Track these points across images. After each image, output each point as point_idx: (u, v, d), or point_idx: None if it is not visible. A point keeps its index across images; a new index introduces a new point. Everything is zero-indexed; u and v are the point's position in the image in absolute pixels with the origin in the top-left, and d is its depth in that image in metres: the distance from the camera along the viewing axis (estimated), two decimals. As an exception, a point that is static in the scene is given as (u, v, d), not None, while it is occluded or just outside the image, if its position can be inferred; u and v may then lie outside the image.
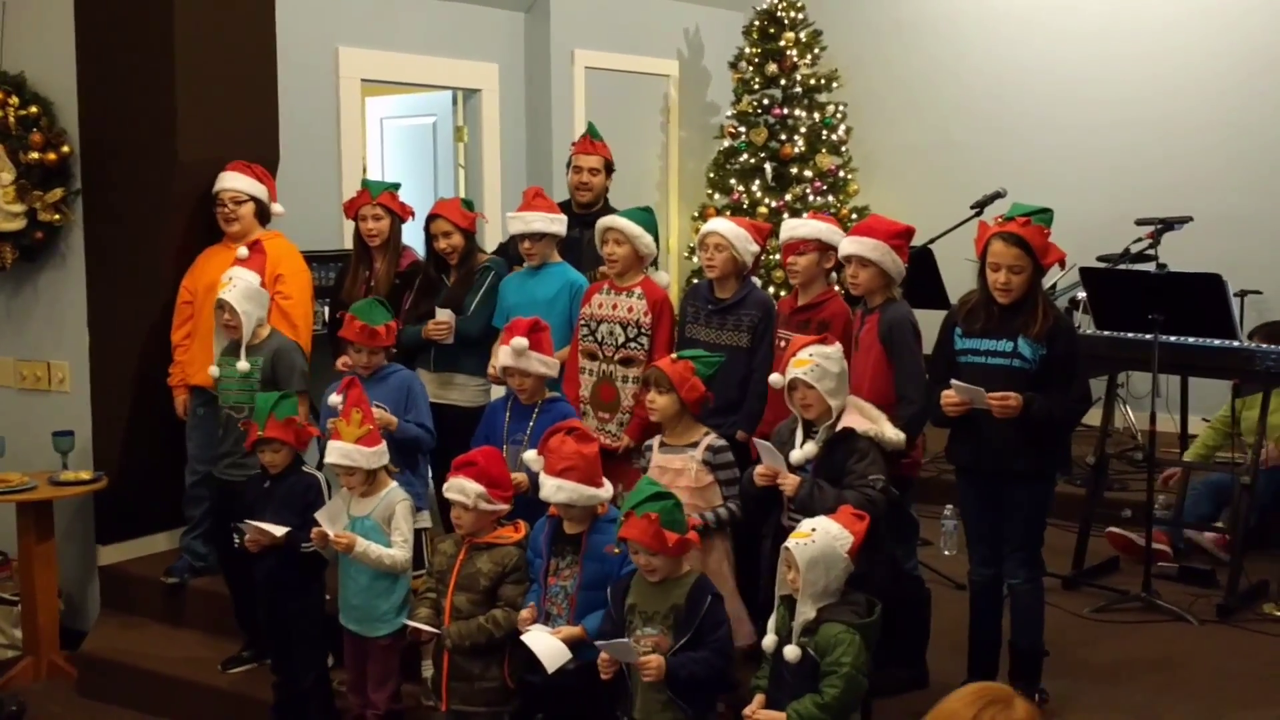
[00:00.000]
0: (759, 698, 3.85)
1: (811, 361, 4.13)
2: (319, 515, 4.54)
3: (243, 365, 5.21)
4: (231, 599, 5.44)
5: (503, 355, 4.78)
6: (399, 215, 5.74)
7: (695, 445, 4.50)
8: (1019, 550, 4.44)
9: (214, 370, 5.31)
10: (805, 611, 3.68)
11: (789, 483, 4.15)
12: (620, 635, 3.93)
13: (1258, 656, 5.04)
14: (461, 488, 4.27)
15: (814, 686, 3.62)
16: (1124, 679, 4.83)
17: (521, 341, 4.71)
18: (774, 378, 4.31)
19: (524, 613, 4.22)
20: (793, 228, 4.92)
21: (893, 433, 4.23)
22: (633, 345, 5.07)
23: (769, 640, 3.80)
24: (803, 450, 4.22)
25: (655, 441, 4.61)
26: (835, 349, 4.21)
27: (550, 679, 4.07)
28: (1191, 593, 5.62)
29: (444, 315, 5.45)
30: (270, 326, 5.35)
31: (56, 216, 6.07)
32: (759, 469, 4.24)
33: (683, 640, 3.85)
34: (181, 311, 5.84)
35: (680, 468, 4.46)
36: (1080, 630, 5.27)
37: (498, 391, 5.33)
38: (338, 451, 4.52)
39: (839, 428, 4.18)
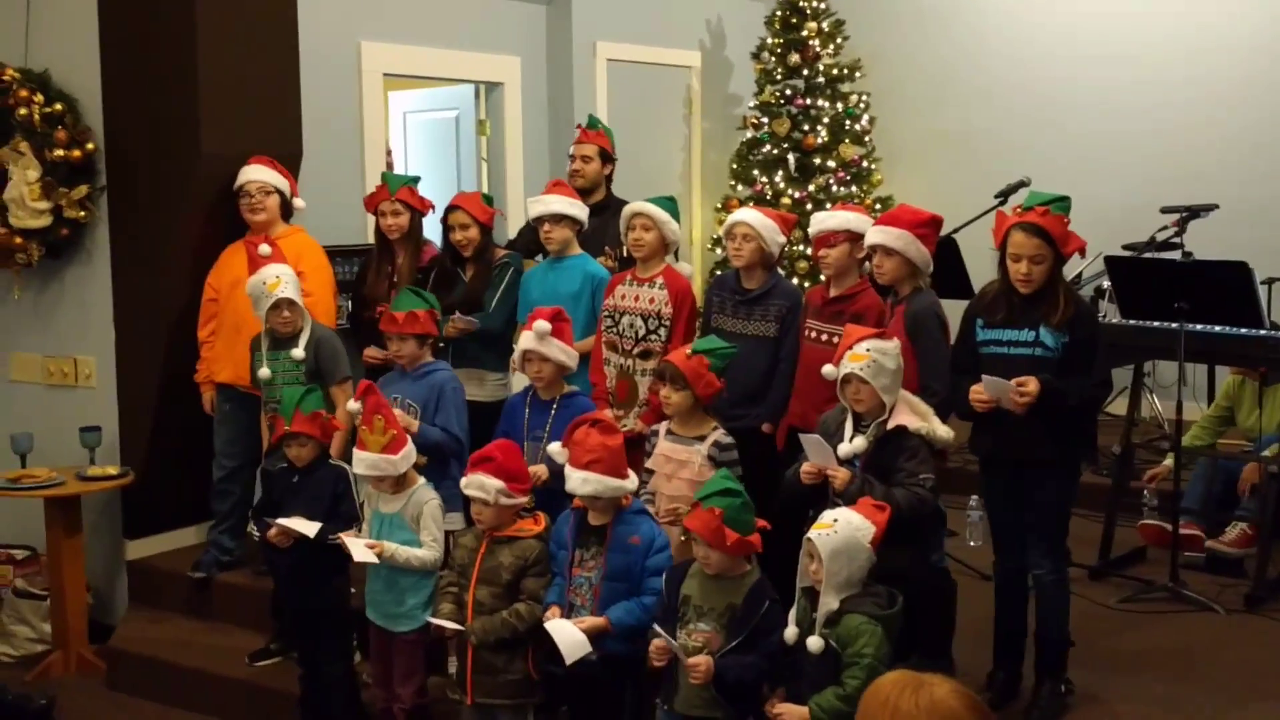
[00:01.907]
0: (779, 690, 3.83)
1: (868, 357, 4.08)
2: (344, 537, 4.54)
3: (298, 353, 5.22)
4: (274, 589, 5.40)
5: (524, 339, 4.79)
6: (418, 209, 5.75)
7: (703, 439, 4.49)
8: (1044, 541, 4.42)
9: (265, 372, 5.27)
10: (828, 602, 3.66)
11: (839, 476, 4.10)
12: (672, 623, 3.90)
13: (1286, 647, 5.02)
14: (481, 484, 4.27)
15: (835, 678, 3.61)
16: (1150, 669, 4.81)
17: (544, 325, 4.72)
18: (828, 369, 4.24)
19: (550, 611, 4.22)
20: (822, 220, 4.89)
21: (944, 430, 4.19)
22: (652, 337, 5.08)
23: (790, 632, 3.77)
24: (852, 445, 4.17)
25: (662, 428, 4.60)
26: (893, 344, 4.15)
27: (573, 670, 4.07)
28: (1219, 582, 5.60)
29: (461, 320, 5.47)
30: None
31: (82, 213, 6.10)
32: (805, 466, 4.19)
33: (734, 642, 3.81)
34: (206, 309, 5.87)
35: (685, 459, 4.45)
36: (1106, 621, 5.25)
37: (517, 386, 5.33)
38: (365, 463, 4.51)
39: (891, 425, 4.14)
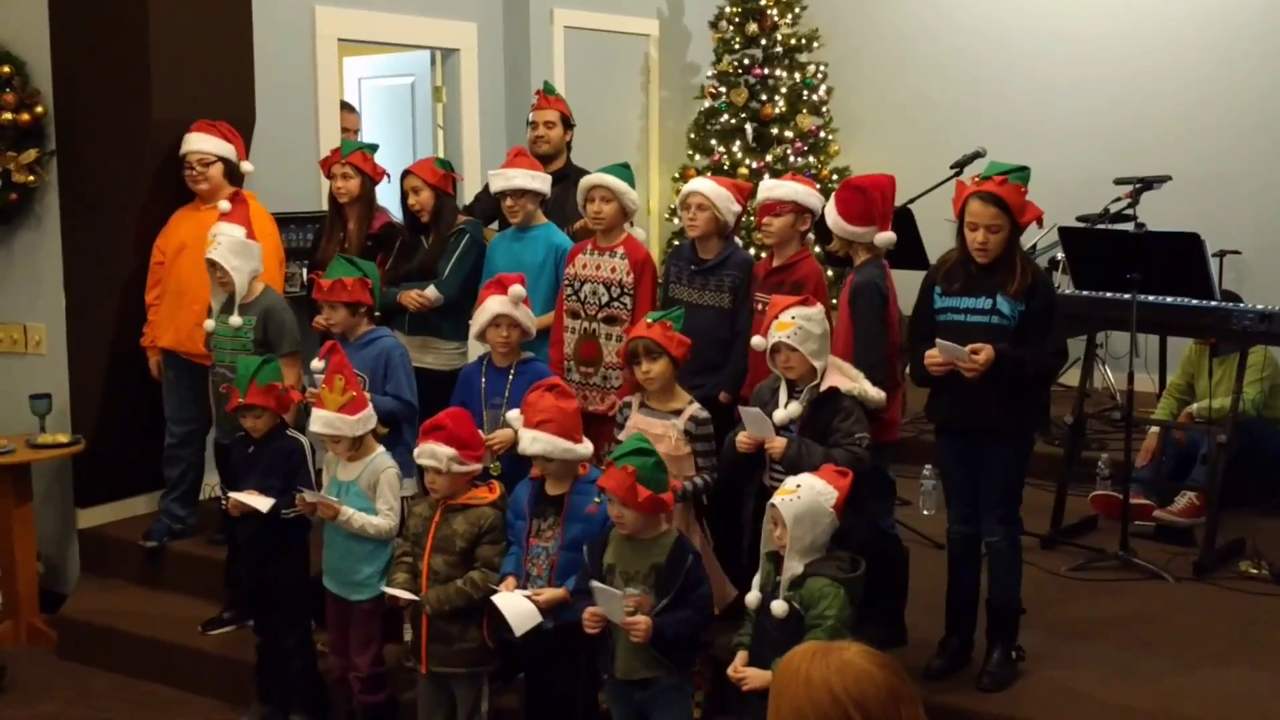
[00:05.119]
0: (742, 654, 3.86)
1: (794, 324, 4.14)
2: (302, 495, 4.51)
3: (235, 320, 5.15)
4: (227, 558, 5.42)
5: (496, 304, 4.74)
6: (370, 176, 5.70)
7: (678, 413, 4.48)
8: (997, 508, 4.45)
9: (209, 324, 5.25)
10: (793, 567, 3.70)
11: (776, 445, 4.16)
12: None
13: (1232, 614, 5.09)
14: (433, 452, 4.26)
15: (799, 641, 3.62)
16: (1099, 636, 4.86)
17: (519, 289, 4.71)
18: (756, 340, 4.31)
19: (505, 583, 4.22)
20: (769, 188, 4.89)
21: (874, 391, 4.25)
22: (616, 305, 5.06)
23: (753, 597, 3.82)
24: (786, 411, 4.23)
25: (635, 400, 4.59)
26: (817, 310, 4.22)
27: (526, 639, 4.08)
28: (1169, 551, 5.66)
29: (431, 292, 5.43)
30: (263, 283, 5.30)
31: (31, 178, 6.01)
32: (741, 436, 4.24)
33: (665, 599, 3.86)
34: (154, 272, 5.81)
35: (660, 433, 4.42)
36: (1057, 588, 5.30)
37: (474, 355, 5.31)
38: (321, 421, 4.48)
39: (823, 388, 4.19)
